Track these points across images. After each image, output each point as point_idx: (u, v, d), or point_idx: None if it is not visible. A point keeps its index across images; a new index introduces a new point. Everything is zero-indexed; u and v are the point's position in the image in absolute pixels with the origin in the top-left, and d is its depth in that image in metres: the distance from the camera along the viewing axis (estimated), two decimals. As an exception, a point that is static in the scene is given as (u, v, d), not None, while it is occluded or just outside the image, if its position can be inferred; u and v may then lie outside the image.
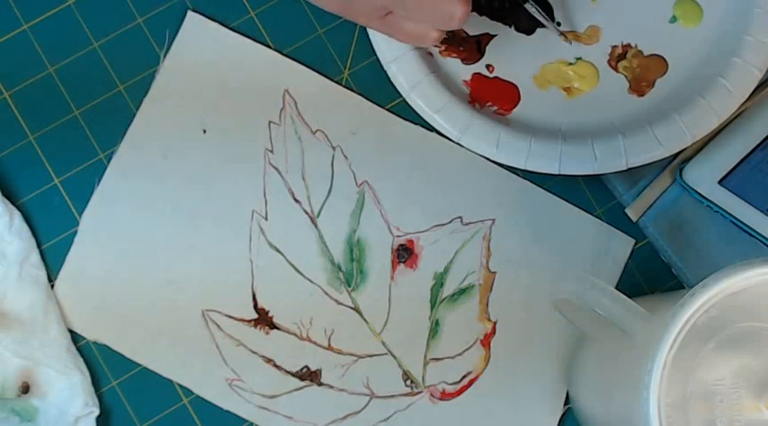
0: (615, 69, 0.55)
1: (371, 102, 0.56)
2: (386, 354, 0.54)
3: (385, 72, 0.53)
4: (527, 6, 0.53)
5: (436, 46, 0.55)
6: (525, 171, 0.53)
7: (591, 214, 0.56)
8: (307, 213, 0.55)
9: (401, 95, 0.53)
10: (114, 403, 0.53)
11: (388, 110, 0.56)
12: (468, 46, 0.55)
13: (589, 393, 0.50)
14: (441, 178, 0.55)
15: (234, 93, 0.55)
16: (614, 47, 0.55)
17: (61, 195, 0.55)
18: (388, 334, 0.55)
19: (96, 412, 0.52)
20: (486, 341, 0.55)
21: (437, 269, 0.55)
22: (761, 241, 0.53)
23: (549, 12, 0.55)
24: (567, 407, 0.54)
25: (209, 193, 0.55)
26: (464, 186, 0.55)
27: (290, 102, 0.56)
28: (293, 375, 0.54)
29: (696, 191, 0.54)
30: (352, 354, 0.54)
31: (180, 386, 0.54)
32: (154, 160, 0.55)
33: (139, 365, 0.54)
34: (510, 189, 0.56)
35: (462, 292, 0.55)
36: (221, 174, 0.55)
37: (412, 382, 0.54)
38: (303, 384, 0.54)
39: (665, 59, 0.55)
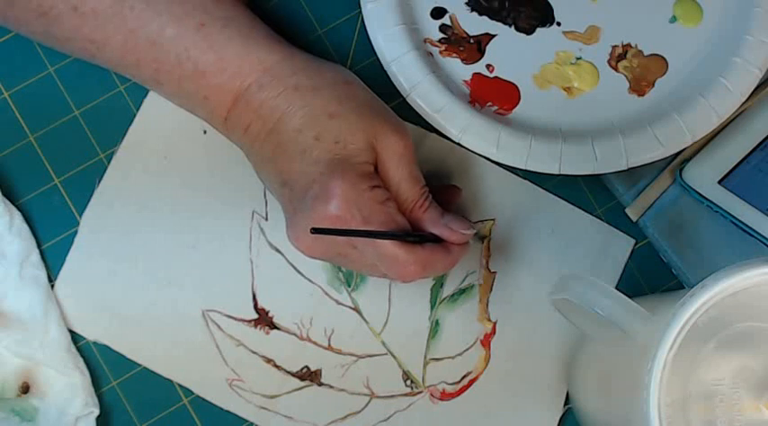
0: (615, 69, 0.55)
1: (371, 101, 0.56)
2: (386, 354, 0.54)
3: (385, 72, 0.53)
4: None
5: (436, 45, 0.55)
6: (525, 171, 0.53)
7: (591, 214, 0.56)
8: (307, 213, 0.55)
9: (401, 95, 0.53)
10: (114, 403, 0.53)
11: (388, 110, 0.56)
12: (468, 46, 0.55)
13: (589, 393, 0.50)
14: (440, 178, 0.55)
15: (234, 93, 0.55)
16: (614, 47, 0.55)
17: (61, 195, 0.55)
18: (388, 334, 0.54)
19: (96, 412, 0.52)
20: (486, 342, 0.55)
21: (437, 269, 0.55)
22: (761, 241, 0.53)
23: (549, 12, 0.54)
24: (567, 407, 0.54)
25: (210, 193, 0.55)
26: (464, 186, 0.55)
27: (290, 101, 0.55)
28: (293, 375, 0.54)
29: (696, 191, 0.54)
30: (352, 354, 0.54)
31: (180, 386, 0.54)
32: (154, 160, 0.55)
33: (139, 365, 0.54)
34: (510, 189, 0.56)
35: (462, 292, 0.55)
36: (221, 175, 0.55)
37: (412, 382, 0.54)
38: (303, 384, 0.54)
39: (665, 59, 0.55)
